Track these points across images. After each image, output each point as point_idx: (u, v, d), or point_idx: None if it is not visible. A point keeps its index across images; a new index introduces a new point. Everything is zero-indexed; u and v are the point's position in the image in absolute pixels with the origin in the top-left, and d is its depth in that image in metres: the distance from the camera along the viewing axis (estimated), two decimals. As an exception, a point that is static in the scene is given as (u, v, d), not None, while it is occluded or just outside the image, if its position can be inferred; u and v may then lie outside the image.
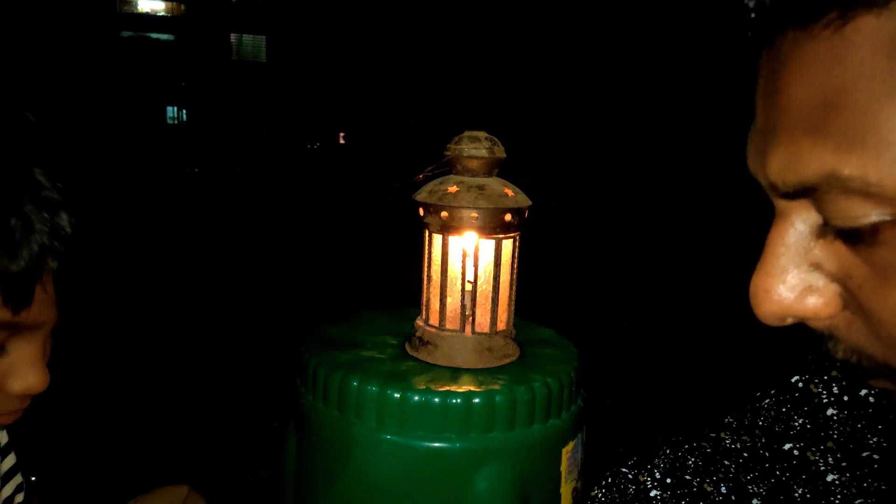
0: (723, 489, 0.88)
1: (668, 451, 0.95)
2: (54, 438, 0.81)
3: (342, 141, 10.12)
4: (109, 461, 1.07)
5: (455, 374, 1.11)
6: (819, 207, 0.43)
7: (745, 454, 0.90)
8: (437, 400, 1.04)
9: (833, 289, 0.45)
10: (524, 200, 1.12)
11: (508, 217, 1.08)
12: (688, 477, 0.90)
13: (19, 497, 0.90)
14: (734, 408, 0.96)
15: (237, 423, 1.90)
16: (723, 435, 0.93)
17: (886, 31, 0.37)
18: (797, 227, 0.45)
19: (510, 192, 1.10)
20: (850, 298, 0.45)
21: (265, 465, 1.76)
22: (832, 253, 0.44)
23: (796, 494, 0.83)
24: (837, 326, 0.47)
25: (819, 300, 0.46)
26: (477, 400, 1.05)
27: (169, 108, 8.81)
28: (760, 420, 0.90)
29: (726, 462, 0.90)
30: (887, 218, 0.39)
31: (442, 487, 1.06)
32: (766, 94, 0.45)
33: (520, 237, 1.16)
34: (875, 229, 0.40)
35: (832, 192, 0.41)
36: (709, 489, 0.89)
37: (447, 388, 1.06)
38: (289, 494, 1.20)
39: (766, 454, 0.88)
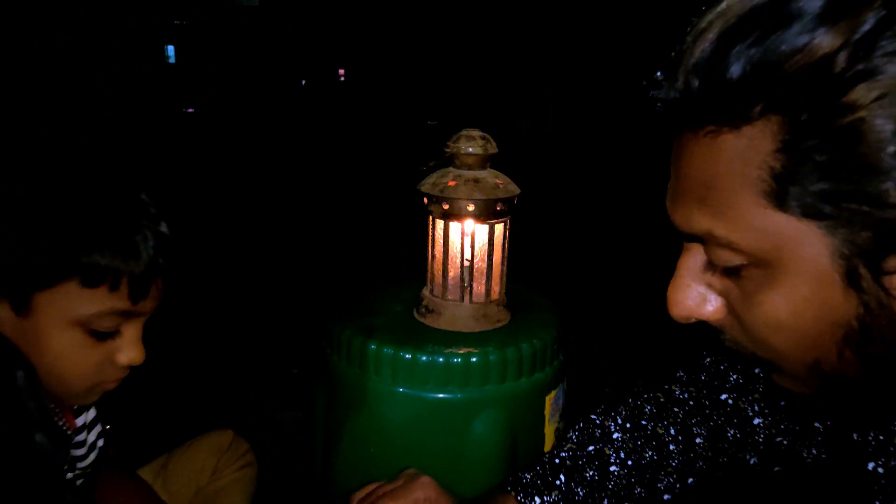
0: (672, 431, 1.07)
1: (629, 401, 1.13)
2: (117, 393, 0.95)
3: (342, 79, 10.07)
4: (159, 412, 1.23)
5: (456, 336, 1.29)
6: (705, 250, 0.62)
7: (691, 402, 1.08)
8: (441, 359, 1.23)
9: (720, 301, 0.65)
10: (514, 189, 1.29)
11: (500, 206, 1.25)
12: (644, 422, 1.08)
13: (100, 442, 1.08)
14: (684, 365, 1.14)
15: (260, 372, 2.08)
16: (673, 387, 1.12)
17: (740, 145, 0.54)
18: (696, 259, 0.65)
19: (501, 184, 1.27)
20: (731, 309, 0.64)
21: (292, 407, 1.97)
22: (717, 278, 0.64)
23: (729, 434, 1.02)
24: (724, 325, 0.66)
25: (711, 308, 0.65)
26: (474, 359, 1.23)
27: (169, 48, 8.67)
28: (703, 375, 1.08)
29: (675, 409, 1.08)
30: (745, 262, 0.58)
31: (446, 430, 1.25)
32: (674, 164, 0.63)
33: (510, 220, 1.33)
34: (738, 269, 0.59)
35: (711, 243, 0.60)
36: (660, 431, 1.07)
37: (449, 349, 1.24)
38: (319, 438, 1.40)
39: (707, 403, 1.06)
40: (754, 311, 0.61)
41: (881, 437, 0.69)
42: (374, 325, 1.32)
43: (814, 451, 0.81)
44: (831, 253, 0.54)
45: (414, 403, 1.24)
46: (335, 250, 2.24)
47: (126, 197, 0.81)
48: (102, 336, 0.80)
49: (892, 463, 0.67)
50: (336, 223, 2.32)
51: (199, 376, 1.04)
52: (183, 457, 1.34)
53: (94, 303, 0.78)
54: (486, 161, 1.28)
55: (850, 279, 0.54)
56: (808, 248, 0.54)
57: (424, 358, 1.22)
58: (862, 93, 0.49)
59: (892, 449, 0.67)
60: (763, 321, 0.61)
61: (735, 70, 0.53)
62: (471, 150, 1.25)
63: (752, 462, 0.99)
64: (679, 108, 0.59)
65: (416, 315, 1.36)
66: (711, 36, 0.56)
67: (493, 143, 1.29)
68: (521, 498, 1.03)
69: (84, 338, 0.79)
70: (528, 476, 1.05)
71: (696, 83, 0.57)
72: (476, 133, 1.28)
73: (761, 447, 0.96)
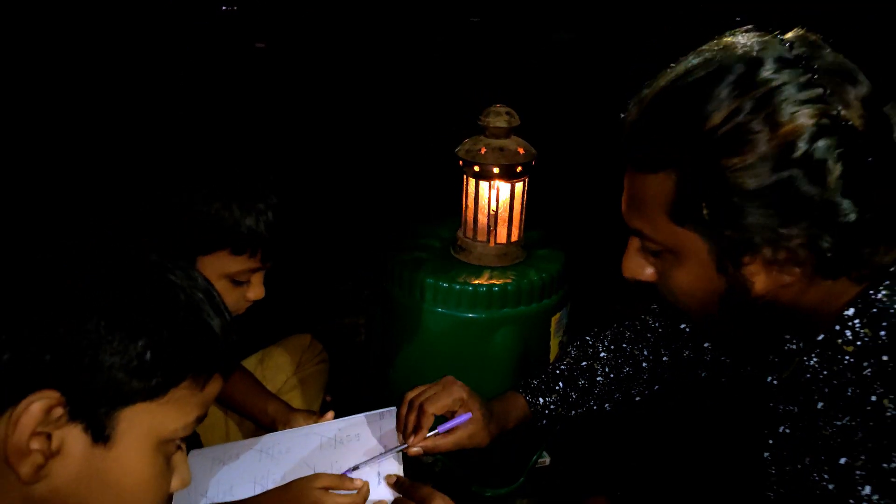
0: (645, 352, 1.31)
1: (615, 327, 1.39)
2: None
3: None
4: (255, 318, 1.42)
5: (482, 270, 1.58)
6: (640, 239, 0.89)
7: (660, 330, 1.33)
8: (470, 288, 1.52)
9: (652, 269, 0.91)
10: (531, 154, 1.55)
11: (519, 168, 1.52)
12: (624, 344, 1.32)
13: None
14: (658, 301, 1.40)
15: (327, 287, 2.38)
16: (647, 317, 1.36)
17: (654, 183, 0.80)
18: (637, 243, 0.91)
19: (521, 151, 1.53)
20: (657, 275, 0.91)
21: (351, 314, 2.31)
22: (649, 256, 0.90)
23: (686, 353, 1.29)
24: (657, 284, 0.93)
25: (647, 273, 0.92)
26: (496, 288, 1.53)
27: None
28: (669, 309, 1.34)
29: (648, 335, 1.32)
30: (661, 250, 0.85)
31: (473, 342, 1.55)
32: (625, 182, 0.89)
33: (528, 178, 1.59)
34: (658, 252, 0.86)
35: (642, 236, 0.87)
36: (636, 352, 1.31)
37: (477, 279, 1.54)
38: (376, 346, 1.73)
39: (671, 330, 1.32)
40: (668, 280, 0.88)
41: (776, 360, 0.96)
42: (420, 258, 1.62)
43: (748, 369, 1.07)
44: (708, 251, 0.80)
45: (449, 321, 1.54)
46: (386, 183, 2.43)
47: (260, 185, 1.09)
48: (239, 283, 1.11)
49: (783, 376, 0.93)
50: (385, 158, 2.48)
51: (282, 292, 1.28)
52: (274, 353, 1.66)
53: (238, 263, 1.07)
54: (510, 131, 1.54)
55: (720, 268, 0.80)
56: (695, 246, 0.81)
57: (457, 286, 1.52)
58: (736, 160, 0.72)
59: (779, 361, 0.92)
60: (673, 286, 0.88)
61: (646, 138, 0.79)
62: (498, 123, 1.52)
63: (703, 375, 1.26)
64: (623, 153, 0.85)
65: (451, 251, 1.66)
66: (639, 108, 0.81)
67: (517, 117, 1.54)
68: (528, 398, 1.30)
69: (228, 284, 1.10)
70: (535, 382, 1.32)
71: (628, 141, 0.82)
72: (502, 109, 1.53)
73: (709, 364, 1.24)
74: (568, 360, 1.34)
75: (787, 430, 0.86)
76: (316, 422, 1.33)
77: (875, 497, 0.67)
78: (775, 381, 0.92)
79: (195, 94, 1.98)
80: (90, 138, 1.91)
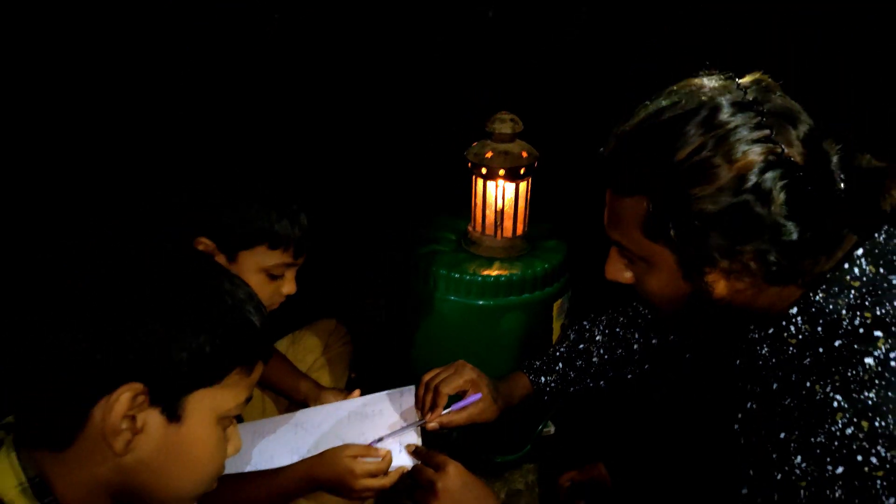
0: (636, 335, 1.42)
1: (609, 312, 1.50)
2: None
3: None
4: (284, 305, 1.49)
5: (491, 261, 1.71)
6: (619, 249, 1.01)
7: (649, 316, 1.45)
8: (479, 278, 1.65)
9: (629, 274, 1.03)
10: (533, 156, 1.67)
11: (523, 170, 1.64)
12: (618, 329, 1.44)
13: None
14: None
15: (351, 272, 2.50)
16: (639, 305, 1.47)
17: (629, 205, 0.93)
18: (618, 251, 1.04)
19: (525, 154, 1.65)
20: (636, 279, 1.04)
21: (374, 295, 2.45)
22: (627, 263, 1.03)
23: (672, 337, 1.41)
24: (635, 287, 1.06)
25: (627, 276, 1.04)
26: (503, 278, 1.65)
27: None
28: None
29: (639, 321, 1.43)
30: (635, 258, 0.97)
31: (483, 326, 1.68)
32: (607, 198, 1.01)
33: (531, 178, 1.71)
34: (633, 260, 0.99)
35: (620, 246, 0.99)
36: (628, 336, 1.42)
37: (486, 271, 1.67)
38: (397, 328, 1.87)
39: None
40: (642, 284, 1.01)
41: (742, 346, 1.08)
42: (435, 251, 1.76)
43: (721, 353, 1.19)
44: (675, 262, 0.92)
45: (461, 308, 1.67)
46: (407, 180, 2.47)
47: (293, 189, 1.22)
48: (274, 278, 1.25)
49: (745, 359, 1.05)
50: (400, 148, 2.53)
51: (310, 280, 1.38)
52: (304, 336, 1.79)
53: (274, 258, 1.21)
54: (514, 136, 1.66)
55: (685, 276, 0.93)
56: (664, 258, 0.93)
57: (468, 277, 1.65)
58: (700, 189, 0.83)
59: (745, 348, 1.04)
60: (646, 289, 1.01)
61: (623, 167, 0.92)
62: (503, 129, 1.64)
63: (687, 356, 1.39)
64: (603, 177, 0.98)
65: (463, 244, 1.79)
66: (617, 141, 0.93)
67: (520, 123, 1.66)
68: (532, 377, 1.44)
69: (265, 278, 1.23)
70: (537, 363, 1.46)
71: (608, 169, 0.95)
72: (507, 116, 1.65)
73: (693, 348, 1.36)
74: (567, 343, 1.47)
75: (753, 406, 0.98)
76: (344, 398, 1.47)
77: (804, 465, 0.80)
78: (743, 365, 1.05)
79: (221, 97, 2.07)
80: (141, 150, 2.04)
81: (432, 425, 1.29)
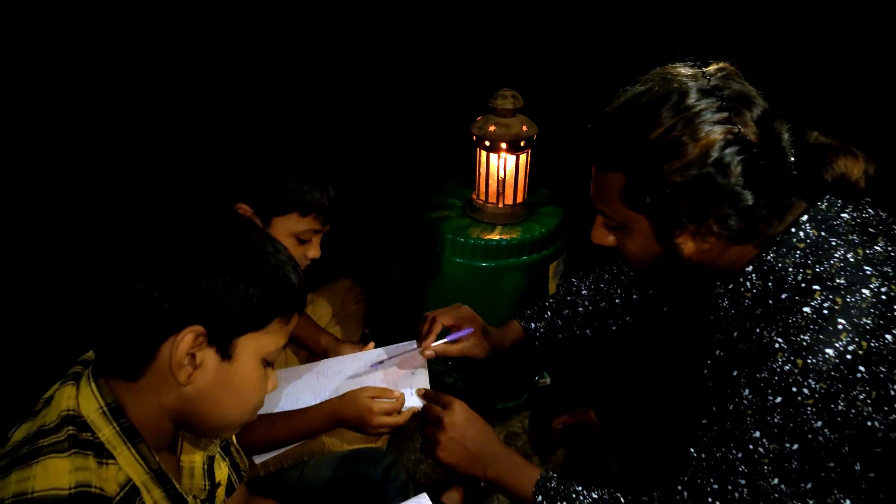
0: (619, 291, 1.53)
1: (597, 271, 1.62)
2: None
3: None
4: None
5: (492, 227, 1.82)
6: (603, 216, 1.13)
7: (631, 273, 1.56)
8: (482, 242, 1.77)
9: (612, 238, 1.15)
10: (533, 130, 1.78)
11: (523, 143, 1.75)
12: (602, 285, 1.55)
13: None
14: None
15: (367, 234, 2.62)
16: (623, 264, 1.59)
17: (610, 179, 1.03)
18: (602, 218, 1.15)
19: (525, 128, 1.76)
20: (618, 242, 1.15)
21: (386, 257, 2.56)
22: (610, 229, 1.14)
23: (651, 292, 1.52)
24: (618, 249, 1.17)
25: (610, 239, 1.15)
26: (504, 242, 1.77)
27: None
28: None
29: (623, 278, 1.54)
30: (616, 225, 1.08)
31: (485, 285, 1.80)
32: (592, 172, 1.13)
33: (531, 150, 1.82)
34: (615, 226, 1.10)
35: (604, 215, 1.11)
36: (611, 291, 1.53)
37: (488, 235, 1.79)
38: (407, 287, 1.99)
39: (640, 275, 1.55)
40: (623, 246, 1.12)
41: (710, 300, 1.19)
42: (442, 217, 1.88)
43: (700, 305, 1.31)
44: (650, 227, 1.04)
45: (466, 269, 1.80)
46: (421, 152, 2.55)
47: (323, 163, 1.33)
48: (302, 242, 1.37)
49: (712, 311, 1.16)
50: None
51: (329, 241, 1.47)
52: (322, 295, 1.90)
53: (303, 225, 1.32)
54: (515, 111, 1.77)
55: (659, 238, 1.04)
56: (641, 223, 1.05)
57: (472, 241, 1.77)
58: (670, 164, 0.94)
59: (711, 301, 1.14)
60: (626, 250, 1.12)
61: (605, 145, 1.03)
62: (505, 105, 1.75)
63: (665, 310, 1.51)
64: (589, 154, 1.09)
65: (468, 211, 1.90)
66: (601, 123, 1.04)
67: (521, 98, 1.76)
68: (523, 323, 1.56)
69: (294, 242, 1.35)
70: (529, 311, 1.57)
71: (593, 147, 1.06)
72: (509, 92, 1.75)
73: (670, 303, 1.48)
74: (557, 295, 1.59)
75: (720, 353, 1.10)
76: (360, 350, 1.60)
77: (750, 396, 0.93)
78: (711, 317, 1.17)
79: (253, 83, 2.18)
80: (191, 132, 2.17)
81: (428, 353, 1.42)
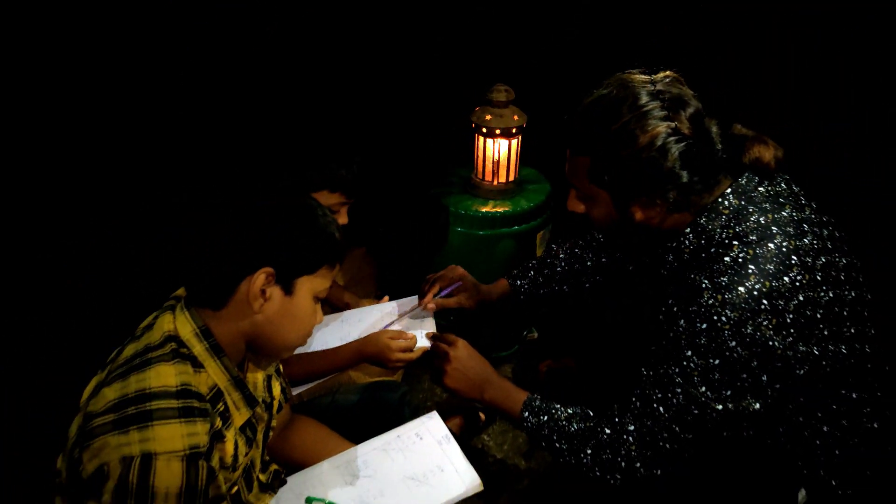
0: (590, 254, 1.72)
1: (572, 239, 1.83)
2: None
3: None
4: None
5: (488, 201, 2.04)
6: (574, 189, 1.35)
7: (602, 240, 1.76)
8: (479, 214, 2.00)
9: (583, 207, 1.36)
10: (523, 119, 2.00)
11: (514, 130, 1.98)
12: (577, 249, 1.74)
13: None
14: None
15: (373, 209, 2.71)
16: (595, 232, 1.80)
17: (579, 161, 1.24)
18: (575, 191, 1.38)
19: (516, 117, 1.98)
20: (587, 210, 1.37)
21: (396, 228, 2.72)
22: (581, 199, 1.36)
23: (618, 255, 1.74)
24: (588, 216, 1.40)
25: (581, 209, 1.37)
26: (497, 214, 2.00)
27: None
28: None
29: (594, 244, 1.72)
30: (585, 196, 1.29)
31: (482, 252, 2.01)
32: (567, 155, 1.35)
33: (521, 136, 2.04)
34: (584, 198, 1.32)
35: (575, 188, 1.34)
36: (584, 255, 1.73)
37: (485, 208, 2.02)
38: (415, 254, 2.23)
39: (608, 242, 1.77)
40: (590, 214, 1.33)
41: (660, 257, 1.41)
42: (447, 192, 2.10)
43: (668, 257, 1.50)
44: (610, 199, 1.26)
45: (465, 238, 2.01)
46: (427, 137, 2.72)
47: (349, 146, 1.52)
48: (333, 212, 1.58)
49: (663, 267, 1.38)
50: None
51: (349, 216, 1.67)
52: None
53: (333, 198, 1.52)
54: (508, 103, 1.99)
55: (616, 208, 1.26)
56: (603, 196, 1.26)
57: (471, 213, 1.99)
58: (625, 150, 1.15)
59: (660, 258, 1.36)
60: (593, 217, 1.33)
61: (576, 134, 1.25)
62: (499, 98, 1.97)
63: (630, 269, 1.73)
64: (563, 142, 1.31)
65: (467, 188, 2.12)
66: (572, 117, 1.26)
67: (513, 92, 1.99)
68: (510, 280, 1.76)
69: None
70: (515, 271, 1.77)
71: (566, 136, 1.28)
72: (502, 87, 1.98)
73: (632, 261, 1.69)
74: (539, 259, 1.79)
75: (671, 302, 1.32)
76: (377, 303, 1.83)
77: (683, 324, 1.15)
78: (664, 272, 1.39)
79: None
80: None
81: (430, 306, 1.65)
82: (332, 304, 1.94)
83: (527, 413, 1.38)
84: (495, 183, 2.07)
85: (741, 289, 1.11)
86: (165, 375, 0.97)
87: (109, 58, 2.21)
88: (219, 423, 1.01)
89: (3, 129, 2.12)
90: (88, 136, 2.26)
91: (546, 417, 1.36)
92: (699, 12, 2.22)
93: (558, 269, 1.75)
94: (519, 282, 1.77)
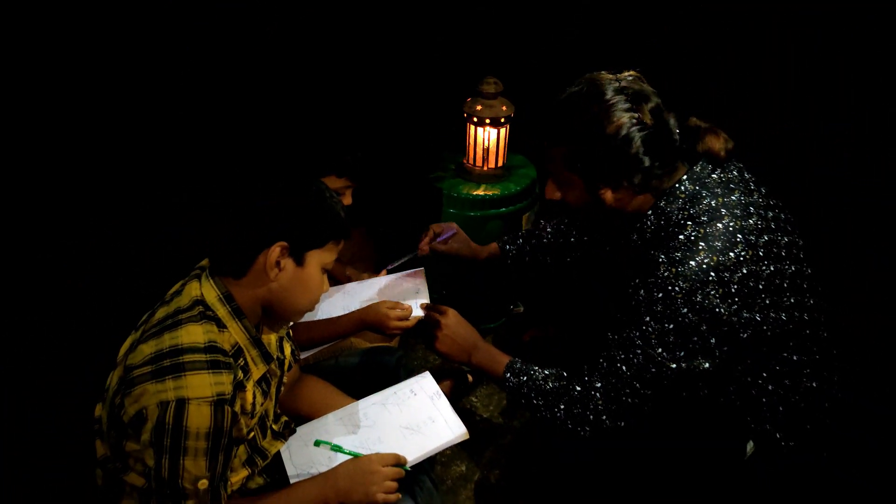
0: (573, 231, 1.81)
1: (560, 217, 1.96)
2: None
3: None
4: None
5: (479, 185, 2.16)
6: (552, 177, 1.47)
7: (583, 222, 1.91)
8: (471, 197, 2.11)
9: (560, 193, 1.48)
10: (511, 109, 2.11)
11: (503, 119, 2.09)
12: (562, 226, 1.84)
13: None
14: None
15: (372, 191, 2.81)
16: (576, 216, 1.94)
17: (556, 151, 1.35)
18: (552, 178, 1.50)
19: (504, 108, 2.09)
20: (563, 196, 1.49)
21: (392, 207, 2.82)
22: (557, 187, 1.49)
23: (597, 233, 1.87)
24: (564, 200, 1.52)
25: (557, 195, 1.47)
26: (487, 197, 2.11)
27: None
28: None
29: (577, 223, 1.85)
30: (561, 182, 1.41)
31: (473, 230, 2.06)
32: (545, 146, 1.46)
33: (510, 124, 2.15)
34: (559, 184, 1.43)
35: (553, 176, 1.45)
36: (569, 232, 1.82)
37: (475, 192, 2.14)
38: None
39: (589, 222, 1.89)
40: (565, 198, 1.44)
41: (627, 235, 1.52)
42: (440, 176, 2.22)
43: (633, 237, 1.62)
44: (583, 184, 1.37)
45: (457, 218, 2.11)
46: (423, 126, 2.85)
47: (353, 136, 1.64)
48: (339, 194, 1.70)
49: (630, 244, 1.50)
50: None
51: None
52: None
53: (339, 183, 1.64)
54: (497, 94, 2.10)
55: (588, 191, 1.37)
56: (576, 181, 1.36)
57: (462, 195, 2.10)
58: (595, 140, 1.26)
59: (629, 236, 1.48)
60: (568, 201, 1.44)
61: (552, 128, 1.36)
62: (489, 90, 2.08)
63: (607, 249, 1.85)
64: (542, 132, 1.42)
65: (459, 173, 2.23)
66: (549, 110, 1.37)
67: (501, 84, 2.10)
68: (499, 244, 1.87)
69: None
70: (506, 237, 1.88)
71: (543, 129, 1.39)
72: (492, 80, 2.08)
73: (609, 243, 1.81)
74: (528, 230, 1.91)
75: (634, 275, 1.43)
76: (375, 277, 1.96)
77: (643, 293, 1.28)
78: (630, 250, 1.50)
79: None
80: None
81: (424, 249, 1.78)
82: (336, 278, 2.06)
83: (509, 374, 1.51)
84: (485, 168, 2.18)
85: (692, 263, 1.24)
86: (194, 333, 1.09)
87: (111, 58, 2.25)
88: (240, 375, 1.13)
89: (3, 129, 2.16)
90: (88, 136, 2.30)
91: (525, 378, 1.48)
92: (699, 12, 2.22)
93: (544, 240, 1.86)
94: (508, 246, 1.87)
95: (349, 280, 2.00)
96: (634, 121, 1.26)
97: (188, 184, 2.31)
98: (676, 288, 1.24)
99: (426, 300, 1.76)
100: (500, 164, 2.19)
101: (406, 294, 1.80)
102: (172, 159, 2.41)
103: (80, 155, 2.31)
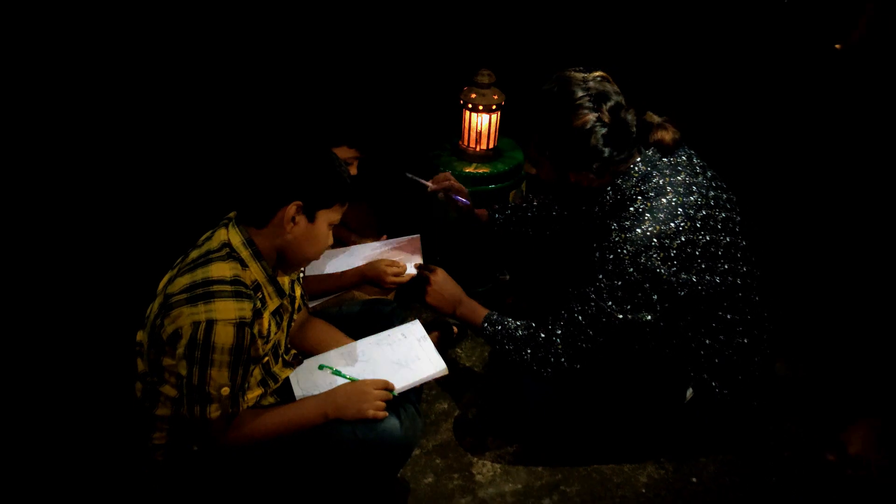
0: (555, 207, 1.98)
1: (545, 194, 2.13)
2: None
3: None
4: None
5: (472, 163, 2.30)
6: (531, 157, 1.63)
7: (562, 198, 2.08)
8: (464, 174, 2.26)
9: (536, 170, 1.66)
10: (502, 98, 2.26)
11: (494, 107, 2.24)
12: (546, 202, 2.01)
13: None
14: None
15: (374, 169, 2.94)
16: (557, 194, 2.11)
17: (532, 137, 1.53)
18: (530, 158, 1.66)
19: (496, 97, 2.24)
20: (538, 173, 1.67)
21: (394, 182, 2.97)
22: (535, 164, 1.65)
23: (582, 207, 2.03)
24: (540, 177, 1.68)
25: (534, 171, 1.67)
26: (478, 174, 2.27)
27: None
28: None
29: (557, 201, 2.09)
30: (537, 162, 1.57)
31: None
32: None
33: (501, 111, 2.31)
34: (535, 163, 1.60)
35: (530, 156, 1.61)
36: (551, 207, 1.97)
37: (468, 169, 2.29)
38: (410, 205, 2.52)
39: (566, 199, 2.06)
40: (540, 175, 1.60)
41: (591, 210, 1.68)
42: (438, 155, 2.38)
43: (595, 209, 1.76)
44: (553, 166, 1.50)
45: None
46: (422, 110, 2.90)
47: (362, 112, 1.79)
48: (347, 164, 1.87)
49: (594, 217, 1.66)
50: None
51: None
52: (350, 210, 2.40)
53: (349, 153, 1.78)
54: (490, 84, 2.25)
55: (556, 172, 1.52)
56: (548, 164, 1.53)
57: (457, 172, 2.23)
58: (563, 131, 1.40)
59: (593, 211, 1.66)
60: (542, 178, 1.60)
61: (529, 117, 1.51)
62: (482, 80, 2.23)
63: (582, 224, 2.01)
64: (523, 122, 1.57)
65: (455, 152, 2.39)
66: (527, 103, 1.52)
67: (494, 76, 2.24)
68: (489, 211, 2.01)
69: None
70: (496, 206, 2.02)
71: (524, 118, 1.54)
72: (486, 71, 2.23)
73: (582, 218, 1.98)
74: (516, 203, 2.05)
75: (602, 241, 1.61)
76: (376, 241, 2.13)
77: (598, 255, 1.44)
78: (597, 209, 1.63)
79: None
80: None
81: (433, 186, 1.93)
82: (344, 242, 2.23)
83: (486, 324, 1.68)
84: (478, 149, 2.34)
85: (638, 230, 1.41)
86: (222, 269, 1.25)
87: (115, 58, 2.29)
88: (258, 304, 1.30)
89: (3, 129, 2.17)
90: (89, 135, 2.32)
91: (500, 327, 1.65)
92: (699, 12, 2.29)
93: (529, 214, 2.01)
94: (497, 214, 2.03)
95: (353, 244, 2.17)
96: (595, 118, 1.40)
97: (221, 151, 2.42)
98: (624, 251, 1.40)
99: (419, 261, 1.92)
100: (491, 146, 2.34)
101: (402, 255, 1.97)
102: (177, 158, 2.51)
103: (78, 155, 2.31)
